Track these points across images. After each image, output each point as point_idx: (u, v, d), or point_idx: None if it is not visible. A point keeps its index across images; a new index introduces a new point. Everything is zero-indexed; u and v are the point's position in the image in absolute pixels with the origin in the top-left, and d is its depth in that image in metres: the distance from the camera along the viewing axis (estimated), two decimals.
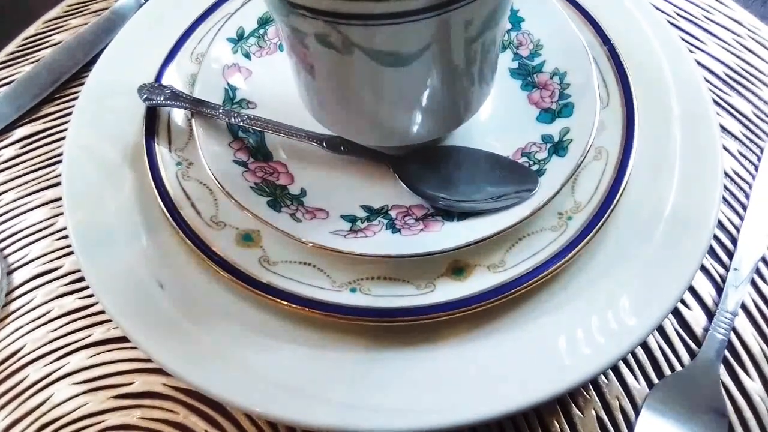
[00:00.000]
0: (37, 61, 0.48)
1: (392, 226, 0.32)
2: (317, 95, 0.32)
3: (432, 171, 0.34)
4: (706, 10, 0.48)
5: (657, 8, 0.41)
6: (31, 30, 0.50)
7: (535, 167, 0.33)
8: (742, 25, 0.47)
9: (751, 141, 0.42)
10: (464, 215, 0.32)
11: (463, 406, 0.29)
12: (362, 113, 0.32)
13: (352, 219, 0.33)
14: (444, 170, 0.34)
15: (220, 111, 0.35)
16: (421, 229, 0.32)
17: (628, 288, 0.31)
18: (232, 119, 0.35)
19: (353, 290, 0.31)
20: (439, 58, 0.28)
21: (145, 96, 0.36)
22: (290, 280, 0.31)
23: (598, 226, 0.32)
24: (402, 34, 0.26)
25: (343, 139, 0.34)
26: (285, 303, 0.30)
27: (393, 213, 0.33)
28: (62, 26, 0.50)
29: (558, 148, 0.34)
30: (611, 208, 0.32)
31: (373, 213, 0.33)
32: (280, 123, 0.35)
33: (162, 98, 0.36)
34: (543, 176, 0.33)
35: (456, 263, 0.32)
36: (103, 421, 0.34)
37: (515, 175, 0.33)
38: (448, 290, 0.30)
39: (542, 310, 0.31)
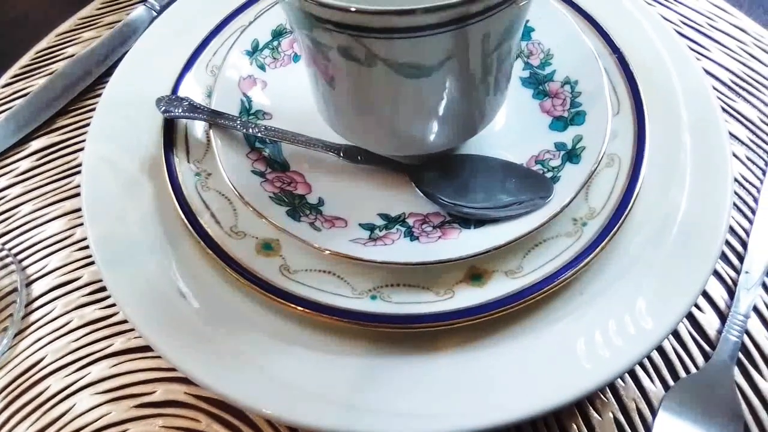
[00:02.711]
0: (51, 73, 0.48)
1: (410, 234, 0.33)
2: (336, 106, 0.33)
3: (448, 179, 0.34)
4: (710, 18, 0.48)
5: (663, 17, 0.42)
6: (44, 43, 0.51)
7: (549, 174, 0.34)
8: (746, 32, 0.47)
9: (758, 146, 0.42)
10: (481, 222, 0.33)
11: (483, 410, 0.29)
12: (381, 123, 0.32)
13: (370, 227, 0.33)
14: (460, 178, 0.34)
15: (238, 122, 0.35)
16: (439, 237, 0.32)
17: (644, 292, 0.32)
18: (250, 130, 0.35)
19: (373, 297, 0.31)
20: (457, 69, 0.29)
21: (164, 108, 0.36)
22: (311, 288, 0.32)
23: (613, 232, 0.32)
24: (423, 47, 0.27)
25: (360, 149, 0.35)
26: (308, 311, 0.31)
27: (410, 221, 0.34)
28: (75, 39, 0.51)
29: (571, 155, 0.34)
30: (625, 213, 0.33)
31: (390, 221, 0.34)
32: (297, 133, 0.35)
33: (180, 110, 0.36)
34: (557, 183, 0.33)
35: (474, 270, 0.32)
36: (125, 431, 0.34)
37: (530, 183, 0.34)
38: (468, 296, 0.31)
39: (559, 314, 0.32)
